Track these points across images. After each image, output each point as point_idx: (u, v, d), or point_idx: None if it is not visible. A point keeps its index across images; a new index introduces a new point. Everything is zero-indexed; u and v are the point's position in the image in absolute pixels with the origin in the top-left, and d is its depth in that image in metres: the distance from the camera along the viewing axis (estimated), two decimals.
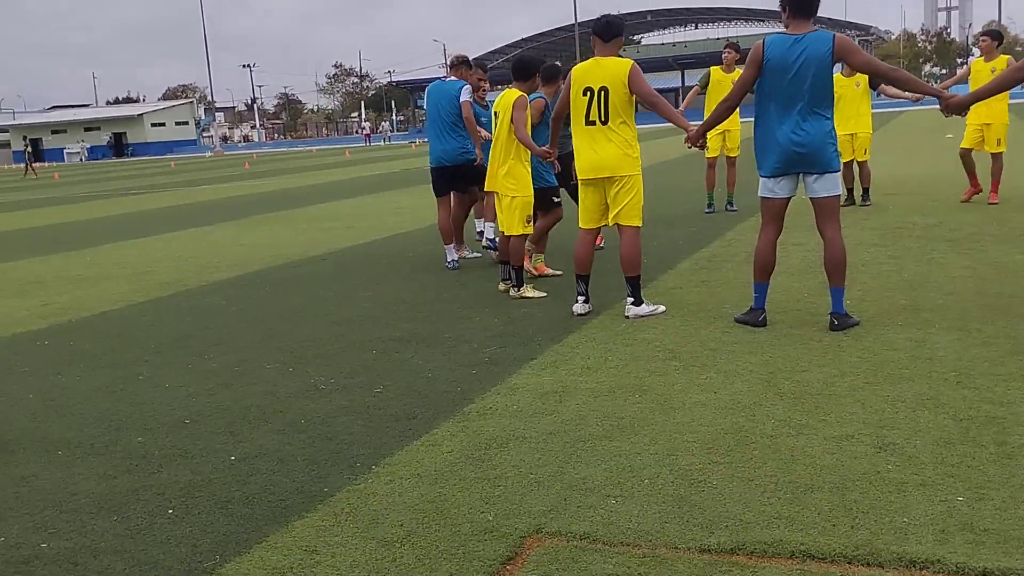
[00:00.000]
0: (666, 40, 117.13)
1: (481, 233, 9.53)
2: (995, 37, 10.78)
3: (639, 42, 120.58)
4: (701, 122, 6.14)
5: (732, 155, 11.57)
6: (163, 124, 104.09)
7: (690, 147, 6.08)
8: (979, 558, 2.72)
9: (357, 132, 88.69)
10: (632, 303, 6.16)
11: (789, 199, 5.60)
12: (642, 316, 6.09)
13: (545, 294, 7.06)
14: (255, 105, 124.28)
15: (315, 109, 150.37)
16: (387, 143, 68.18)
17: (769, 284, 5.76)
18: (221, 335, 6.51)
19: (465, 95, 8.37)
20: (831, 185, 5.43)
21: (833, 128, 5.41)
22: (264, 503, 3.48)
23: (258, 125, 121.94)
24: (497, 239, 7.88)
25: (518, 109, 6.87)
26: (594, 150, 6.03)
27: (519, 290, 7.08)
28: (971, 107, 5.84)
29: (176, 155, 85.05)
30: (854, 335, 5.30)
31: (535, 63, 7.39)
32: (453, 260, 8.73)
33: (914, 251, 7.91)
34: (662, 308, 6.24)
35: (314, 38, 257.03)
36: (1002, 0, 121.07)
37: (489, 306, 6.88)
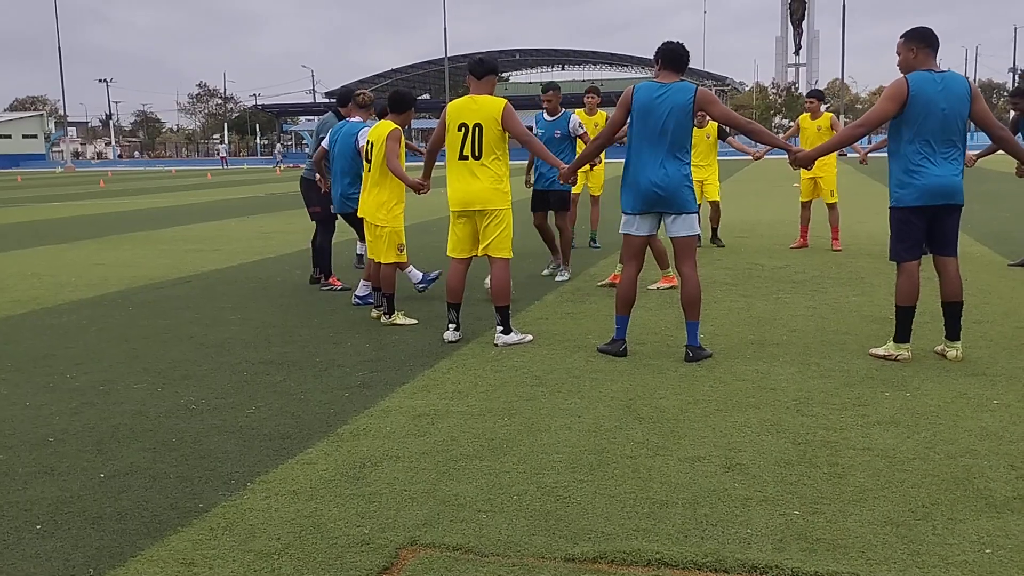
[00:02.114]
0: (534, 79, 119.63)
1: (360, 256, 9.67)
2: (819, 98, 11.83)
3: (507, 80, 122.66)
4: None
5: (594, 194, 12.04)
6: (9, 136, 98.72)
7: (563, 184, 6.41)
8: (811, 563, 3.03)
9: (227, 154, 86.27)
10: (501, 332, 6.39)
11: (649, 237, 5.97)
12: (510, 344, 6.32)
13: (416, 321, 7.21)
14: (111, 121, 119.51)
15: (175, 129, 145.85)
16: (281, 166, 66.51)
17: (629, 317, 6.09)
18: (83, 354, 6.36)
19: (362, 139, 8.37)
20: (688, 226, 5.82)
21: (690, 172, 5.82)
22: (137, 518, 3.49)
23: (113, 142, 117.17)
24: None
25: (392, 140, 7.04)
26: (466, 184, 6.26)
27: (390, 317, 7.21)
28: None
29: (23, 169, 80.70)
30: (707, 366, 5.68)
31: (411, 97, 7.57)
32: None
33: (762, 291, 8.47)
34: (530, 337, 6.49)
35: (177, 56, 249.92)
36: (844, 60, 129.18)
37: (361, 332, 6.98)
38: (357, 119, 8.27)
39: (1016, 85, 10.01)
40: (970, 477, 3.76)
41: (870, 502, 3.53)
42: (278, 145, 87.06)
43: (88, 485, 3.85)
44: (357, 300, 8.23)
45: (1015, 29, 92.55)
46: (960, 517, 3.37)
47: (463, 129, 6.24)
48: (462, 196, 6.30)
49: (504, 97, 6.57)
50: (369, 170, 7.33)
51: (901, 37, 5.65)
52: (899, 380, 5.27)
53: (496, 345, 6.32)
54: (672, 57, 5.81)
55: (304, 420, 4.73)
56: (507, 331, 6.39)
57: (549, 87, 12.02)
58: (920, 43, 5.56)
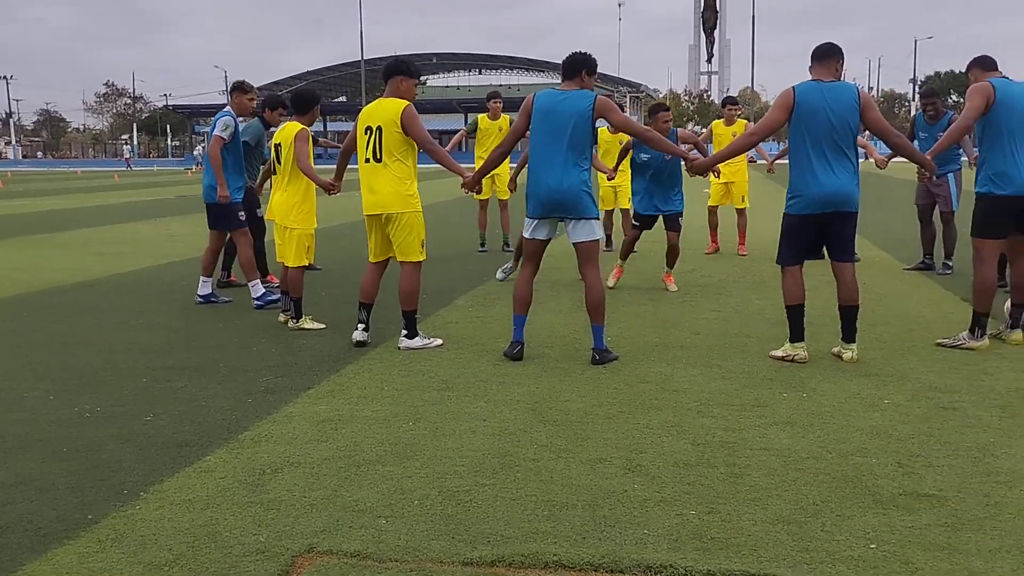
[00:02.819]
0: (451, 83, 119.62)
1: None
2: (735, 104, 12.13)
3: (424, 83, 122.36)
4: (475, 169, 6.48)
5: (502, 198, 12.10)
6: None
7: (466, 192, 6.41)
8: (705, 562, 3.09)
9: (132, 155, 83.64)
10: (405, 335, 6.36)
11: (547, 241, 6.00)
12: (414, 348, 6.29)
13: (324, 326, 7.13)
14: (11, 120, 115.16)
15: (81, 128, 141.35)
16: (197, 167, 64.77)
17: (526, 317, 6.12)
18: None
19: (219, 128, 8.15)
20: (588, 231, 5.85)
21: (589, 178, 5.87)
22: (21, 532, 3.36)
23: (14, 141, 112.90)
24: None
25: (300, 141, 6.98)
26: (371, 187, 6.22)
27: (297, 321, 7.11)
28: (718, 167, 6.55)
29: None
30: (612, 369, 5.74)
31: (312, 96, 7.49)
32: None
33: (669, 294, 8.61)
34: (438, 341, 6.46)
35: (85, 55, 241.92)
36: (754, 69, 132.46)
37: (268, 337, 6.86)
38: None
39: (924, 87, 10.38)
40: (860, 475, 3.89)
41: (764, 501, 3.62)
42: (199, 147, 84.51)
43: None
44: (200, 299, 8.34)
45: (915, 42, 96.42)
46: (849, 514, 3.48)
47: (368, 132, 6.20)
48: (368, 200, 6.26)
49: (422, 101, 6.55)
50: (277, 172, 7.26)
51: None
52: (797, 381, 5.41)
53: (399, 348, 6.29)
54: (565, 65, 5.96)
55: (204, 427, 4.63)
56: (411, 335, 6.36)
57: (494, 94, 12.20)
58: (813, 57, 5.81)
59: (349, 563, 3.10)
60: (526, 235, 6.01)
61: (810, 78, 5.77)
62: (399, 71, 6.31)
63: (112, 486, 3.82)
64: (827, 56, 5.74)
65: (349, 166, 6.88)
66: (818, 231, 5.81)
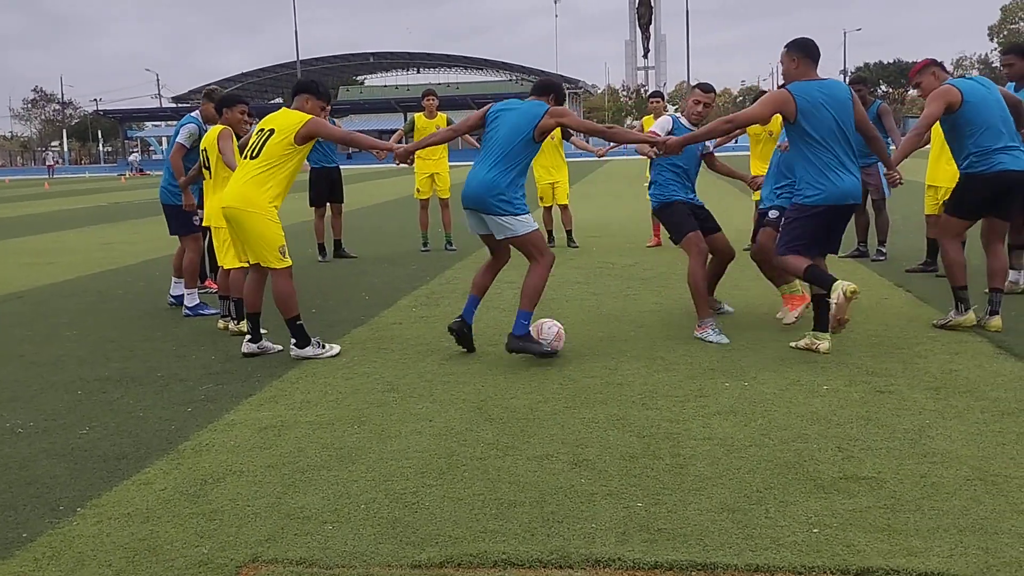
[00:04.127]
0: (388, 82, 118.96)
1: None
2: (661, 97, 12.28)
3: (362, 83, 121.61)
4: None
5: (443, 196, 12.07)
6: None
7: (398, 164, 6.41)
8: (653, 553, 3.11)
9: (56, 163, 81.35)
10: (295, 344, 6.13)
11: (491, 235, 5.96)
12: (307, 357, 6.07)
13: (266, 331, 7.01)
14: None
15: (9, 136, 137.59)
16: (132, 173, 63.30)
17: (480, 299, 6.18)
18: None
19: (182, 135, 8.09)
20: (505, 228, 5.80)
21: (510, 184, 5.74)
22: None
23: None
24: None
25: (223, 139, 7.00)
26: (232, 182, 6.23)
27: (238, 323, 7.00)
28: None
29: None
30: (556, 364, 5.75)
31: (229, 97, 7.47)
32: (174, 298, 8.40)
33: (613, 289, 8.67)
34: (336, 349, 6.21)
35: (9, 60, 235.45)
36: (690, 63, 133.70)
37: (207, 343, 6.74)
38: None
39: (854, 74, 10.63)
40: (801, 460, 3.95)
41: (708, 490, 3.65)
42: (134, 153, 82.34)
43: None
44: (172, 300, 8.36)
45: (844, 33, 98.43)
46: (791, 499, 3.53)
47: (260, 134, 6.11)
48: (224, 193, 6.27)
49: (360, 100, 6.50)
50: (210, 177, 7.18)
51: (784, 47, 5.87)
52: (738, 371, 5.48)
53: (292, 356, 6.12)
54: (537, 84, 6.19)
55: (142, 439, 4.53)
56: (301, 344, 6.11)
57: (428, 92, 12.15)
58: (801, 54, 5.80)
59: (295, 571, 3.05)
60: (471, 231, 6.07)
61: (782, 68, 5.85)
62: (308, 89, 6.27)
63: (47, 502, 3.71)
64: (816, 54, 5.82)
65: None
66: (829, 224, 5.87)
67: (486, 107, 6.09)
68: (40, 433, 4.66)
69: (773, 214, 6.84)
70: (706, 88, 6.98)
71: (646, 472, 3.88)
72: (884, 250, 10.04)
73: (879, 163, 9.75)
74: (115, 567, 3.12)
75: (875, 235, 10.14)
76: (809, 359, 5.70)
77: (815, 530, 3.25)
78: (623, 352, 6.06)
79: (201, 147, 7.29)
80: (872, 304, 7.43)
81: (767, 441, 4.22)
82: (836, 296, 5.59)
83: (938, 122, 6.40)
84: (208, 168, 7.22)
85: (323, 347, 6.18)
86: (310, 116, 6.09)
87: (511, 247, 6.02)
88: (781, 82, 6.13)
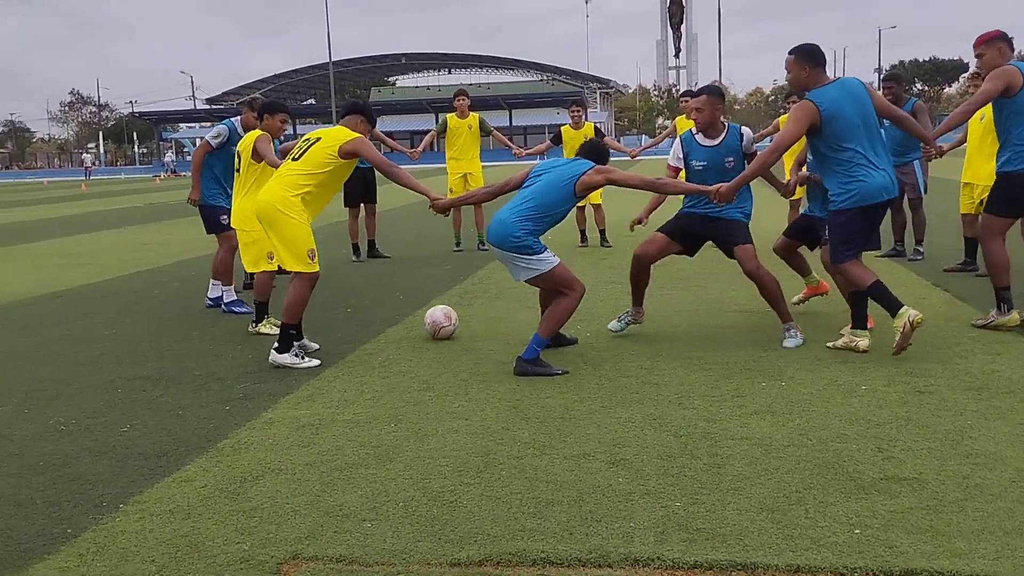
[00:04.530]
0: (420, 83, 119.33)
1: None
2: (694, 96, 12.07)
3: (394, 84, 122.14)
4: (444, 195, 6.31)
5: None
6: None
7: (435, 214, 6.30)
8: (692, 553, 3.10)
9: (93, 165, 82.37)
10: (275, 348, 5.99)
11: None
12: (283, 365, 5.92)
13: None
14: None
15: (47, 138, 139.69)
16: (167, 174, 63.94)
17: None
18: None
19: (210, 134, 8.35)
20: (527, 270, 5.69)
21: (528, 237, 5.60)
22: (0, 548, 3.31)
23: None
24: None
25: (262, 142, 7.10)
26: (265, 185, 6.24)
27: (256, 325, 7.06)
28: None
29: None
30: (592, 364, 5.74)
31: (271, 104, 7.53)
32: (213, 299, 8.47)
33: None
34: (314, 363, 5.99)
35: (48, 64, 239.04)
36: (722, 62, 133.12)
37: (243, 343, 6.80)
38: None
39: (888, 72, 10.47)
40: (840, 461, 3.91)
41: (747, 490, 3.63)
42: (168, 152, 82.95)
43: None
44: (209, 301, 8.38)
45: (879, 31, 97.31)
46: (831, 500, 3.50)
47: (307, 141, 6.15)
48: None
49: (392, 101, 6.52)
50: (237, 180, 7.37)
51: (790, 53, 5.78)
52: (775, 370, 5.44)
53: (269, 359, 6.00)
54: (586, 148, 6.07)
55: (182, 436, 4.58)
56: (282, 349, 5.97)
57: (460, 92, 12.15)
58: (810, 61, 5.70)
59: (335, 568, 3.07)
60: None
61: (788, 75, 5.79)
62: (362, 111, 6.35)
63: (90, 499, 3.77)
64: (824, 59, 5.77)
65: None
66: (872, 221, 5.78)
67: (530, 168, 6.00)
68: (82, 431, 4.73)
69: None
70: (693, 94, 6.80)
71: (684, 472, 3.86)
72: (921, 249, 9.92)
73: (915, 160, 9.68)
74: (158, 563, 3.15)
75: (912, 234, 10.01)
76: (846, 359, 5.65)
77: (856, 531, 3.22)
78: (658, 352, 6.03)
79: (237, 150, 7.40)
80: (910, 304, 7.30)
81: (805, 441, 4.18)
82: (902, 324, 5.49)
83: (986, 108, 6.27)
84: (238, 171, 7.34)
85: (302, 358, 6.00)
86: (359, 135, 6.13)
87: (566, 278, 5.74)
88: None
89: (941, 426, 4.32)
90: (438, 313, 6.66)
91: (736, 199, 6.12)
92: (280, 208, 5.94)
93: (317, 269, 6.04)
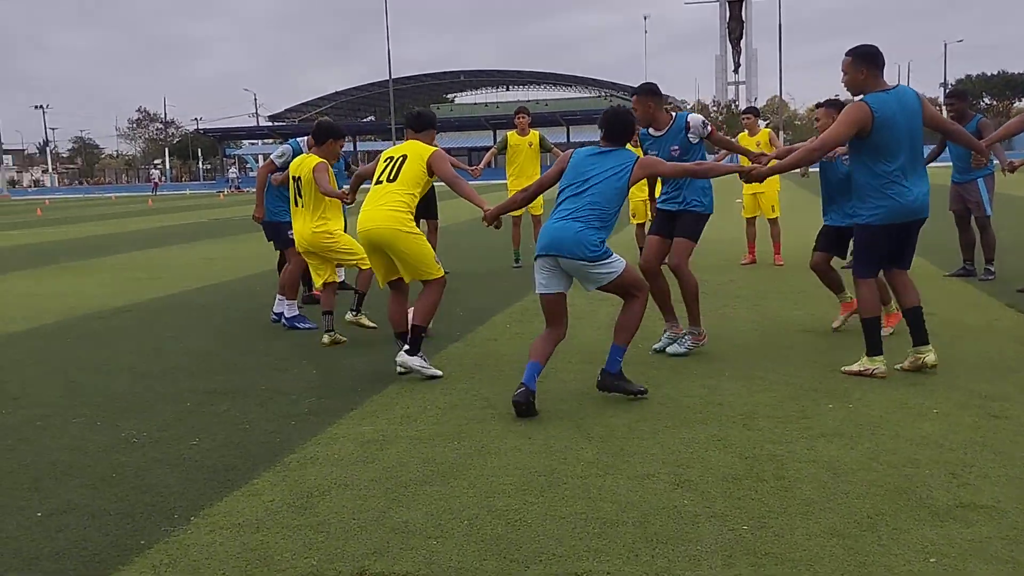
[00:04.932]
0: (479, 100, 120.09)
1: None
2: (756, 114, 12.08)
3: (452, 100, 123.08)
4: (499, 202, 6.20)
5: (535, 213, 12.08)
6: None
7: (487, 226, 6.19)
8: None
9: (160, 181, 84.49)
10: (406, 350, 6.08)
11: (555, 297, 5.53)
12: (411, 368, 6.03)
13: (375, 325, 7.52)
14: (47, 148, 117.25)
15: (115, 154, 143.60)
16: (230, 190, 65.34)
17: (542, 367, 5.45)
18: (18, 389, 6.19)
19: (275, 153, 8.61)
20: (600, 278, 5.40)
21: (594, 233, 5.35)
22: (75, 558, 3.39)
23: (50, 169, 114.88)
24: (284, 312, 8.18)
25: (319, 173, 7.14)
26: (374, 206, 6.14)
27: (356, 315, 7.65)
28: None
29: None
30: (654, 384, 5.69)
31: (327, 128, 7.58)
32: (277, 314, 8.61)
33: (708, 307, 8.51)
34: (438, 373, 6.09)
35: (116, 82, 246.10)
36: (782, 78, 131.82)
37: (307, 358, 6.89)
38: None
39: (952, 88, 10.25)
40: (912, 486, 3.83)
41: (816, 514, 3.57)
42: (232, 168, 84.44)
43: (24, 525, 3.73)
44: (274, 316, 8.53)
45: (945, 45, 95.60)
46: (904, 527, 3.42)
47: (390, 161, 6.26)
48: (366, 217, 6.16)
49: (450, 118, 6.58)
50: (299, 204, 7.44)
51: (847, 54, 5.63)
52: (841, 392, 5.35)
53: (395, 362, 6.08)
54: (611, 128, 5.61)
55: (249, 450, 4.65)
56: (413, 352, 6.09)
57: (521, 109, 12.16)
58: (868, 64, 5.56)
59: None
60: (536, 290, 5.58)
61: (844, 77, 5.62)
62: (434, 125, 6.53)
63: (162, 511, 3.84)
64: (882, 62, 5.60)
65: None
66: (899, 239, 5.68)
67: (567, 153, 5.79)
68: (153, 443, 4.83)
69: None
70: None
71: (750, 494, 3.81)
72: (992, 269, 9.67)
73: (979, 179, 9.45)
74: (229, 575, 3.20)
75: (983, 253, 9.77)
76: (916, 381, 5.53)
77: (932, 559, 3.14)
78: (721, 371, 5.97)
79: (294, 174, 7.45)
80: (982, 325, 7.17)
81: (875, 465, 4.10)
82: (862, 367, 5.70)
83: None
84: (300, 195, 7.39)
85: (430, 367, 6.12)
86: (435, 148, 6.29)
87: (567, 315, 5.57)
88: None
89: (1018, 453, 4.20)
90: None
91: (697, 194, 6.52)
92: (401, 228, 6.03)
93: (444, 272, 6.24)
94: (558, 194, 5.60)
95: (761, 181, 6.39)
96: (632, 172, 5.49)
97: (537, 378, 5.23)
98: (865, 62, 5.58)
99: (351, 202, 7.09)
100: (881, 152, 5.49)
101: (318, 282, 7.56)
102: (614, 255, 5.42)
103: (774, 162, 6.25)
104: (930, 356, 5.70)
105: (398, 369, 6.18)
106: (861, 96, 5.57)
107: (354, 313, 7.55)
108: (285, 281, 8.37)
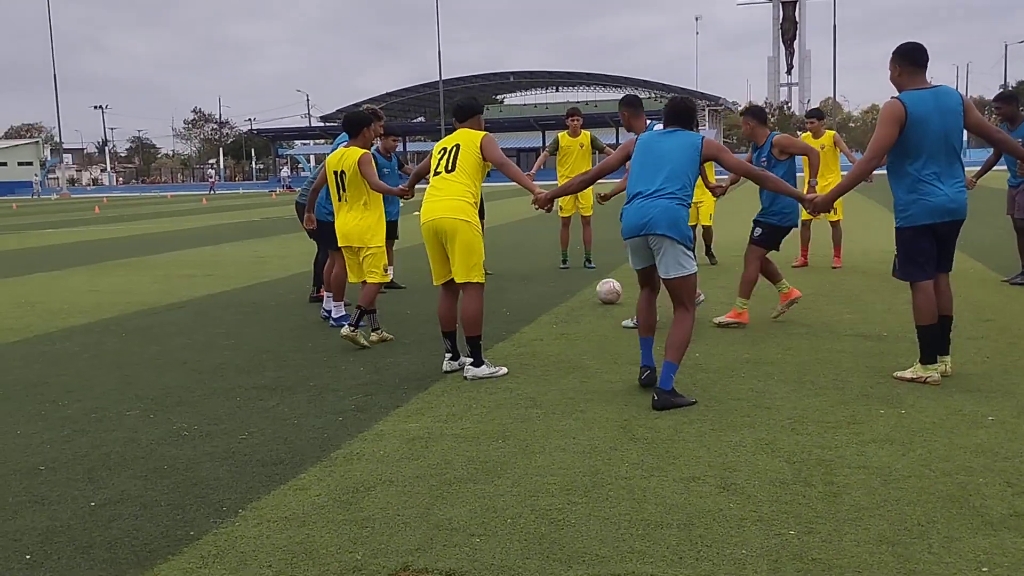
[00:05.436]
0: (528, 101, 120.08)
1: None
2: (819, 117, 11.91)
3: (501, 102, 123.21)
4: (548, 186, 6.33)
5: (585, 214, 12.06)
6: (4, 164, 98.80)
7: (537, 209, 6.26)
8: None
9: (215, 180, 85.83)
10: (471, 363, 6.11)
11: (648, 268, 5.66)
12: (481, 378, 6.03)
13: (392, 336, 7.41)
14: (106, 148, 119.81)
15: (171, 154, 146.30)
16: (282, 189, 66.22)
17: (652, 340, 5.77)
18: (75, 382, 6.33)
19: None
20: (679, 266, 5.42)
21: (684, 209, 5.44)
22: (127, 547, 3.46)
23: (109, 168, 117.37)
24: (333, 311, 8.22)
25: (365, 166, 7.13)
26: (437, 195, 6.12)
27: (380, 332, 7.42)
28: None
29: (17, 196, 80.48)
30: (702, 386, 5.65)
31: (359, 118, 7.51)
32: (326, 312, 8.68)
33: (757, 309, 8.45)
34: (504, 370, 6.18)
35: (172, 82, 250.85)
36: (836, 79, 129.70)
37: (354, 355, 6.96)
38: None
39: (1002, 91, 9.99)
40: (966, 495, 3.75)
41: (865, 521, 3.51)
42: (284, 168, 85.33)
43: (78, 514, 3.82)
44: (324, 313, 8.61)
45: (1005, 47, 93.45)
46: (956, 535, 3.35)
47: (444, 152, 6.23)
48: (429, 207, 6.14)
49: (500, 119, 6.57)
50: (342, 199, 7.36)
51: (893, 52, 5.62)
52: (894, 397, 5.25)
53: (466, 379, 6.04)
54: (675, 112, 5.73)
55: (297, 445, 4.71)
56: (478, 363, 6.11)
57: (573, 111, 12.09)
58: (904, 62, 5.51)
59: None
60: (632, 265, 5.76)
61: (910, 85, 5.50)
62: (480, 111, 6.44)
63: (211, 503, 3.91)
64: (925, 60, 5.52)
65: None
66: (936, 241, 5.59)
67: (628, 144, 5.93)
68: (204, 436, 4.91)
69: (757, 232, 7.76)
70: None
71: (797, 499, 3.76)
72: None
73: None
74: (275, 568, 3.24)
75: None
76: (971, 387, 5.41)
77: (984, 569, 3.07)
78: (770, 375, 5.90)
79: (335, 169, 7.34)
80: None
81: (928, 472, 4.02)
82: (922, 375, 5.57)
83: None
84: (343, 189, 7.31)
85: (495, 367, 6.17)
86: (484, 133, 6.27)
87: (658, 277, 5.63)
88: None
89: None
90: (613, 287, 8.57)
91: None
92: (466, 219, 6.02)
93: (483, 279, 6.20)
94: (630, 179, 5.65)
95: (828, 210, 6.35)
96: (702, 148, 5.56)
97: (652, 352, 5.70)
98: (900, 59, 5.55)
99: (410, 196, 7.13)
100: (911, 151, 5.44)
101: (354, 279, 7.55)
102: (694, 253, 5.56)
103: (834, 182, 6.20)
104: (943, 367, 5.64)
105: (444, 368, 6.22)
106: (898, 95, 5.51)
107: (352, 328, 7.10)
108: (332, 280, 8.43)
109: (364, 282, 7.38)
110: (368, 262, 7.36)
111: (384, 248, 7.45)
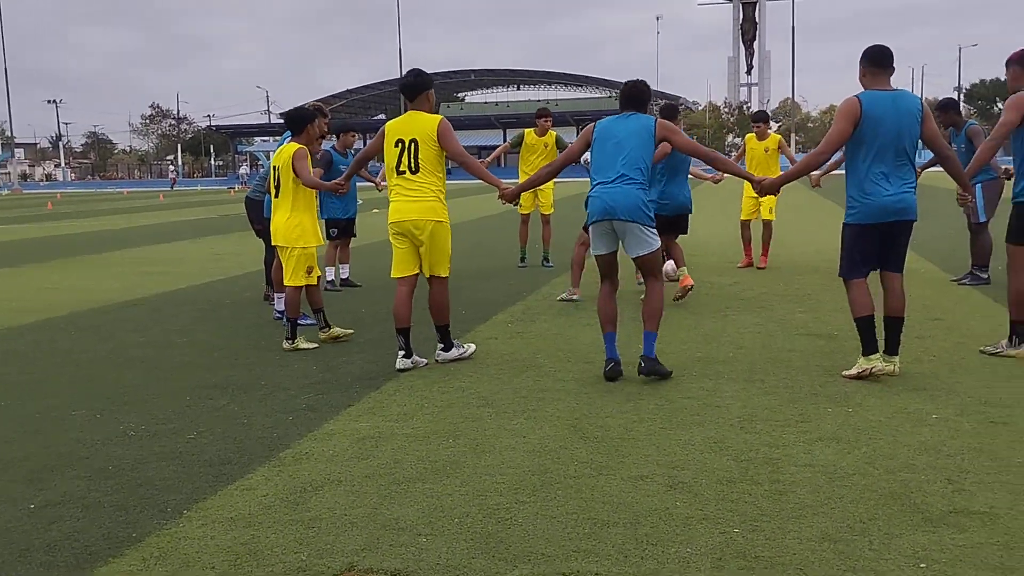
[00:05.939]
0: (489, 99, 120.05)
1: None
2: (764, 120, 12.08)
3: (463, 99, 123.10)
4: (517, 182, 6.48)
5: (545, 212, 12.07)
6: None
7: (504, 203, 6.40)
8: None
9: (176, 176, 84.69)
10: (442, 348, 6.46)
11: (609, 255, 5.97)
12: (451, 360, 6.41)
13: (316, 345, 7.18)
14: (60, 142, 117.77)
15: (128, 150, 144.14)
16: (240, 186, 65.31)
17: (615, 334, 6.04)
18: (27, 381, 6.22)
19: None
20: (644, 243, 5.81)
21: (645, 193, 5.79)
22: (67, 550, 3.40)
23: (63, 163, 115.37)
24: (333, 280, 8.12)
25: (299, 160, 6.96)
26: (406, 198, 6.13)
27: (292, 342, 7.12)
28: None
29: None
30: (652, 384, 5.69)
31: (303, 115, 7.35)
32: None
33: (710, 308, 8.54)
34: (472, 347, 6.63)
35: (130, 78, 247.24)
36: (795, 79, 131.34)
37: (308, 354, 6.91)
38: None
39: (943, 100, 10.19)
40: (908, 492, 3.81)
41: (809, 518, 3.55)
42: (243, 165, 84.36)
43: (16, 516, 3.75)
44: (277, 314, 8.39)
45: (959, 49, 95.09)
46: (897, 532, 3.40)
47: (400, 145, 6.16)
48: (399, 209, 6.15)
49: (460, 117, 6.55)
50: (277, 195, 7.21)
51: (861, 54, 5.76)
52: (842, 396, 5.32)
53: (437, 362, 6.43)
54: (629, 96, 6.03)
55: (246, 445, 4.66)
56: (448, 347, 6.49)
57: (544, 111, 12.06)
58: (868, 63, 5.67)
59: None
60: (593, 252, 6.07)
61: (873, 86, 5.62)
62: (430, 86, 6.37)
63: (156, 504, 3.86)
64: (888, 63, 5.65)
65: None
66: (881, 241, 5.70)
67: (590, 126, 6.07)
68: (151, 436, 4.85)
69: None
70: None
71: (744, 497, 3.80)
72: (980, 274, 9.62)
73: (977, 184, 9.40)
74: (218, 569, 3.21)
75: (987, 259, 9.71)
76: (917, 386, 5.50)
77: (922, 565, 3.12)
78: (721, 373, 5.95)
79: (274, 164, 7.22)
80: (986, 332, 7.13)
81: (872, 470, 4.08)
82: (867, 368, 5.66)
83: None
84: (278, 187, 7.18)
85: (462, 347, 6.55)
86: (439, 119, 6.19)
87: (618, 267, 6.08)
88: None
89: (1016, 459, 4.18)
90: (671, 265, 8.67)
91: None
92: (440, 219, 6.15)
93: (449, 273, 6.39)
94: (593, 166, 5.93)
95: (776, 192, 6.57)
96: (655, 130, 5.80)
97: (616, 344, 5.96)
98: (866, 61, 5.71)
99: (344, 192, 7.08)
100: (860, 148, 5.58)
101: (288, 279, 7.28)
102: (653, 231, 5.84)
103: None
104: (891, 367, 5.73)
105: (397, 366, 6.21)
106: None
107: (289, 341, 7.12)
108: (280, 281, 8.32)
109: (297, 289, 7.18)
110: (289, 263, 7.14)
111: (313, 252, 7.19)
